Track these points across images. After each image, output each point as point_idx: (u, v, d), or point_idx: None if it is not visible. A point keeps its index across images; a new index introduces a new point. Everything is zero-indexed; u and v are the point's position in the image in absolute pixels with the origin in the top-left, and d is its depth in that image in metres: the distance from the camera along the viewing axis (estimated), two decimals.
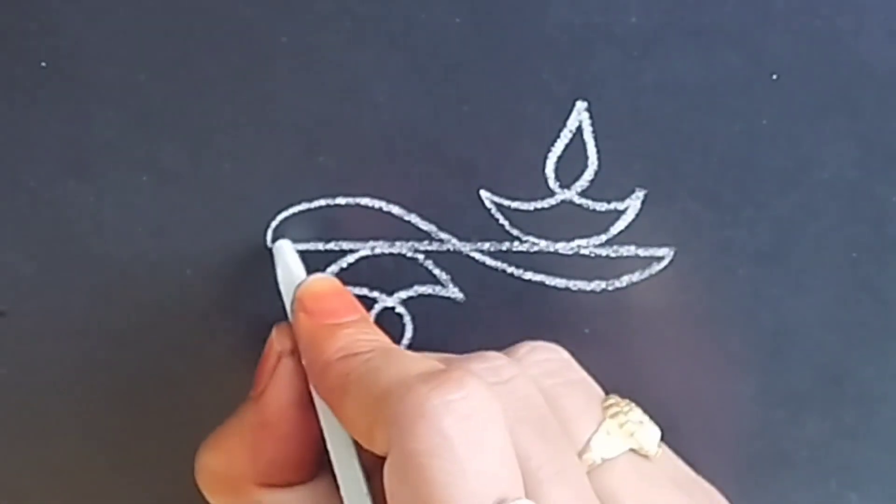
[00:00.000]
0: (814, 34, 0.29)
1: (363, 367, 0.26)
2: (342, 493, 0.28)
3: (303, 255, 0.32)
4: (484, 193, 0.32)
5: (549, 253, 0.32)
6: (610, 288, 0.33)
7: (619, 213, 0.32)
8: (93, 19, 0.29)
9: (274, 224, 0.32)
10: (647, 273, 0.32)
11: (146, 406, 0.35)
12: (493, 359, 0.28)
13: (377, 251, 0.32)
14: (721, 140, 0.31)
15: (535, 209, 0.32)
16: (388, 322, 0.33)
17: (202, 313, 0.33)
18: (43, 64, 0.30)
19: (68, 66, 0.30)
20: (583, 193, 0.31)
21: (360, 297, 0.33)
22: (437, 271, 0.33)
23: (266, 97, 0.30)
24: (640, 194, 0.31)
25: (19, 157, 0.31)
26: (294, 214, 0.32)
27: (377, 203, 0.32)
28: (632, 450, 0.29)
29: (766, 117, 0.30)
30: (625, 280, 0.32)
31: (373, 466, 0.26)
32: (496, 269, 0.33)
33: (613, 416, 0.29)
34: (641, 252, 0.32)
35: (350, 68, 0.30)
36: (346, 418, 0.26)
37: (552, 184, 0.31)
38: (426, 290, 0.33)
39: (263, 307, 0.33)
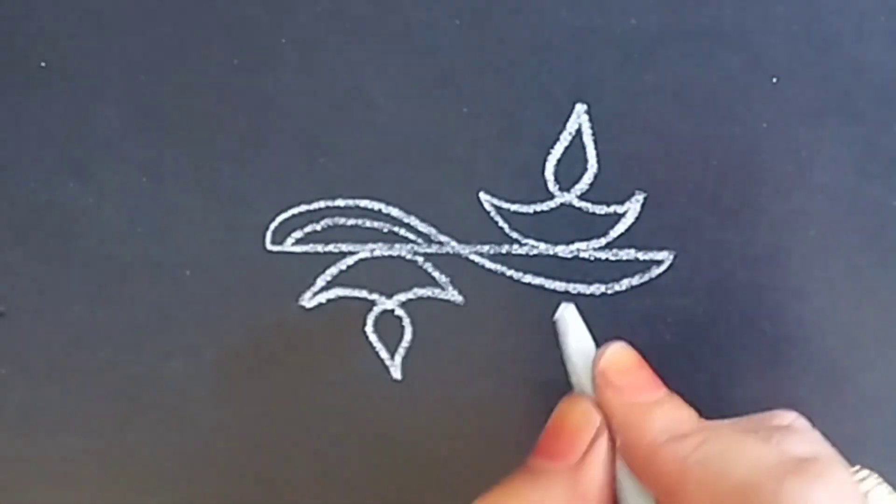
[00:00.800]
0: (813, 38, 0.29)
1: (703, 451, 0.25)
2: None
3: (302, 256, 0.32)
4: (483, 196, 0.31)
5: (548, 256, 0.32)
6: (609, 291, 0.33)
7: (618, 217, 0.32)
8: (92, 20, 0.29)
9: (273, 225, 0.32)
10: (646, 276, 0.32)
11: (146, 406, 0.35)
12: (787, 416, 0.28)
13: (376, 253, 0.32)
14: (721, 143, 0.30)
15: (535, 212, 0.32)
16: (388, 324, 0.33)
17: (201, 313, 0.33)
18: (42, 64, 0.30)
19: (68, 66, 0.30)
20: (582, 196, 0.31)
21: (360, 299, 0.33)
22: (436, 274, 0.33)
23: (266, 100, 0.30)
24: (639, 197, 0.31)
25: (19, 158, 0.31)
26: (293, 216, 0.32)
27: (377, 205, 0.32)
28: None
29: (766, 120, 0.30)
30: (624, 283, 0.32)
31: None
32: (495, 272, 0.32)
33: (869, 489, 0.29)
34: (641, 255, 0.32)
35: (350, 71, 0.30)
36: (682, 502, 0.25)
37: (552, 187, 0.31)
38: (425, 292, 0.33)
39: (262, 308, 0.33)
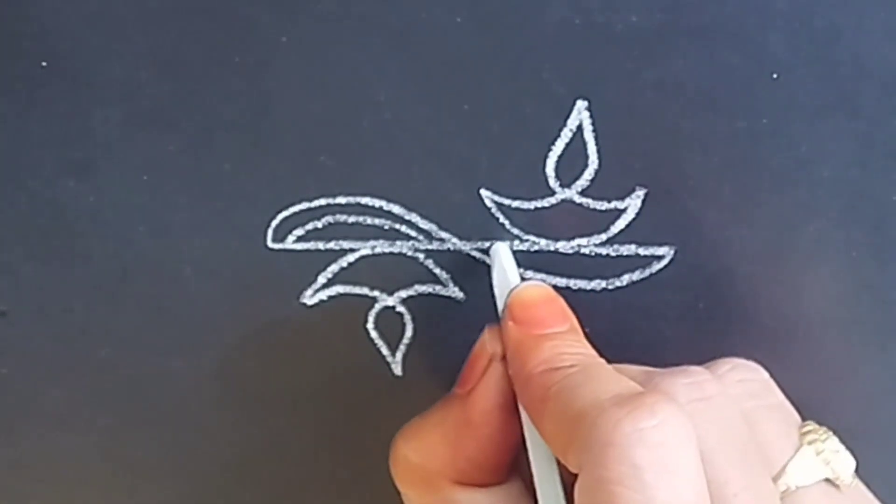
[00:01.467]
0: (814, 33, 0.29)
1: (563, 384, 0.26)
2: (539, 501, 0.27)
3: (303, 254, 0.32)
4: (484, 192, 0.32)
5: (549, 252, 0.32)
6: (610, 287, 0.33)
7: (619, 212, 0.32)
8: (93, 19, 0.29)
9: (274, 223, 0.32)
10: (647, 272, 0.32)
11: (147, 404, 0.35)
12: (696, 374, 0.28)
13: (377, 250, 0.32)
14: (721, 139, 0.31)
15: (536, 208, 0.32)
16: (389, 321, 0.33)
17: (202, 312, 0.33)
18: (43, 63, 0.30)
19: (69, 65, 0.30)
20: (583, 192, 0.31)
21: (361, 296, 0.33)
22: (437, 270, 0.33)
23: (266, 96, 0.30)
24: (640, 193, 0.31)
25: (19, 156, 0.31)
26: (294, 214, 0.32)
27: (378, 202, 0.32)
28: (826, 479, 0.28)
29: (767, 116, 0.30)
30: (625, 279, 0.33)
31: (570, 479, 0.26)
32: None
33: (811, 442, 0.29)
34: (642, 251, 0.32)
35: (350, 67, 0.30)
36: (545, 432, 0.26)
37: (552, 183, 0.31)
38: (426, 289, 0.33)
39: (263, 306, 0.33)
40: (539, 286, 0.30)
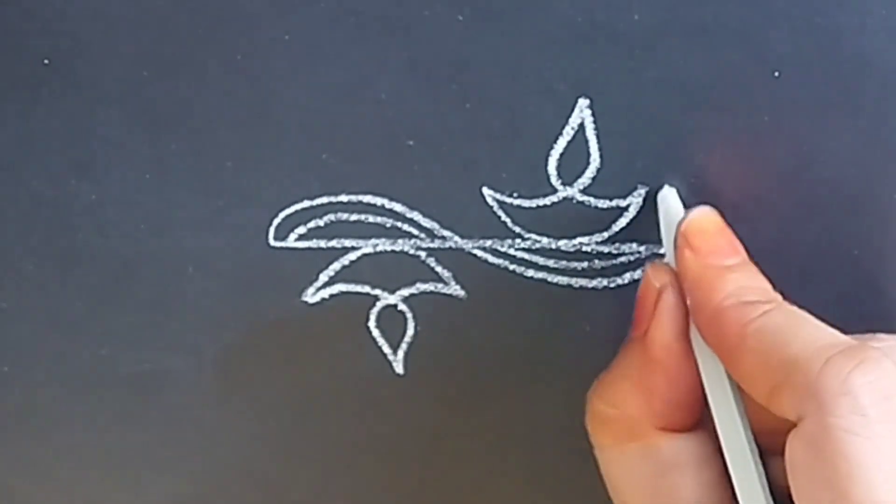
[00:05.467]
0: (815, 31, 0.29)
1: (763, 321, 0.26)
2: (721, 438, 0.28)
3: (305, 252, 0.32)
4: (486, 191, 0.32)
5: (551, 250, 0.32)
6: (612, 285, 0.33)
7: (621, 211, 0.32)
8: (95, 17, 0.29)
9: (276, 221, 0.32)
10: None
11: (147, 403, 0.35)
12: (887, 339, 0.28)
13: (379, 248, 0.32)
14: (723, 137, 0.31)
15: (538, 206, 0.32)
16: (390, 319, 0.33)
17: (204, 310, 0.33)
18: (45, 62, 0.30)
19: (70, 63, 0.30)
20: (585, 191, 0.31)
21: (362, 295, 0.33)
22: (439, 269, 0.33)
23: (268, 95, 0.30)
24: (641, 191, 0.31)
25: (21, 155, 0.31)
26: (296, 212, 0.32)
27: (379, 200, 0.32)
28: None
29: (768, 114, 0.30)
30: (627, 277, 0.33)
31: (754, 414, 0.27)
32: (498, 267, 0.33)
33: None
34: (643, 249, 0.32)
35: (352, 66, 0.30)
36: (740, 370, 0.26)
37: (554, 181, 0.31)
38: (428, 287, 0.33)
39: (265, 304, 0.33)
40: (712, 214, 0.29)
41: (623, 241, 0.32)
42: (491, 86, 0.30)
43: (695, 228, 0.29)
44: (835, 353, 0.24)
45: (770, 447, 0.28)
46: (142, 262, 0.32)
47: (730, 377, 0.28)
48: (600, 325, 0.33)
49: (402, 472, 0.36)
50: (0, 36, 0.29)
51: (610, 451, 0.30)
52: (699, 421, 0.29)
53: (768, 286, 0.28)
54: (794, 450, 0.24)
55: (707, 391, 0.28)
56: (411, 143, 0.31)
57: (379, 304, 0.33)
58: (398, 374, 0.34)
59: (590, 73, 0.30)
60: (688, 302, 0.28)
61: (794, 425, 0.25)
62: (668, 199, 0.31)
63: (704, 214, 0.29)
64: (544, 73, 0.30)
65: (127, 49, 0.30)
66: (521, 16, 0.30)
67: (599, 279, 0.33)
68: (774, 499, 0.27)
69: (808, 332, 0.26)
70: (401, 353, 0.34)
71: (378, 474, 0.36)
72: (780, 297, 0.28)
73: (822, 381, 0.24)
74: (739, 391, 0.28)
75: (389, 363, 0.34)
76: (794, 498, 0.24)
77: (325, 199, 0.32)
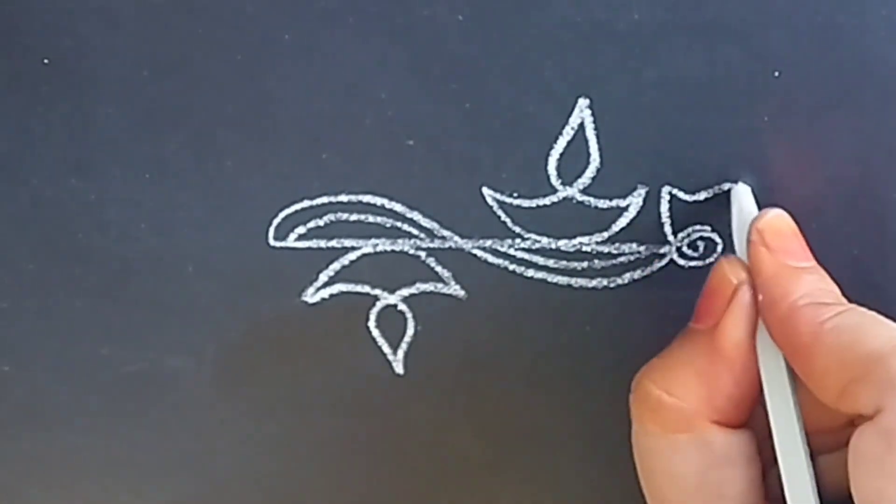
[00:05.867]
0: (816, 31, 0.29)
1: (839, 320, 0.26)
2: (776, 436, 0.28)
3: (305, 252, 0.32)
4: (486, 191, 0.32)
5: (550, 250, 0.32)
6: (611, 285, 0.33)
7: (620, 211, 0.32)
8: (95, 16, 0.29)
9: (276, 221, 0.32)
10: (648, 270, 0.32)
11: (147, 402, 0.35)
12: None
13: (379, 248, 0.32)
14: (723, 137, 0.31)
15: (537, 206, 0.32)
16: (390, 319, 0.33)
17: (204, 310, 0.33)
18: (45, 61, 0.30)
19: (70, 63, 0.30)
20: (585, 191, 0.31)
21: (362, 294, 0.33)
22: (438, 269, 0.33)
23: (268, 94, 0.30)
24: (641, 192, 0.31)
25: (21, 154, 0.31)
26: (296, 212, 0.32)
27: (379, 200, 0.32)
28: None
29: (768, 114, 0.30)
30: (626, 277, 0.33)
31: (810, 413, 0.27)
32: (498, 267, 0.33)
33: None
34: (643, 249, 0.32)
35: (352, 66, 0.30)
36: (811, 367, 0.26)
37: (554, 181, 0.31)
38: (428, 287, 0.33)
39: (265, 303, 0.33)
40: (787, 217, 0.30)
41: (623, 241, 0.32)
42: (491, 86, 0.30)
43: (772, 228, 0.29)
44: None
45: (817, 448, 0.28)
46: (142, 262, 0.32)
47: (790, 377, 0.28)
48: (600, 325, 0.33)
49: (402, 472, 0.36)
50: (0, 36, 0.29)
51: (656, 439, 0.29)
52: (750, 418, 0.29)
53: (838, 290, 0.29)
54: (866, 442, 0.24)
55: (766, 389, 0.28)
56: (411, 143, 0.31)
57: (379, 304, 0.33)
58: (398, 374, 0.34)
59: (590, 73, 0.30)
60: (759, 299, 0.28)
61: (849, 424, 0.25)
62: (742, 196, 0.30)
63: (780, 216, 0.29)
64: (544, 73, 0.30)
65: (127, 48, 0.30)
66: (521, 16, 0.29)
67: (599, 279, 0.33)
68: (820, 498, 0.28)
69: (887, 329, 0.26)
70: (401, 353, 0.34)
71: (378, 474, 0.36)
72: (848, 302, 0.28)
73: None
74: (798, 391, 0.28)
75: (389, 363, 0.34)
76: (855, 491, 0.24)
77: (325, 199, 0.32)
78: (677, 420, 0.29)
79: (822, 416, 0.28)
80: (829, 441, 0.29)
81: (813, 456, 0.28)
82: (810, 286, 0.28)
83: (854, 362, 0.25)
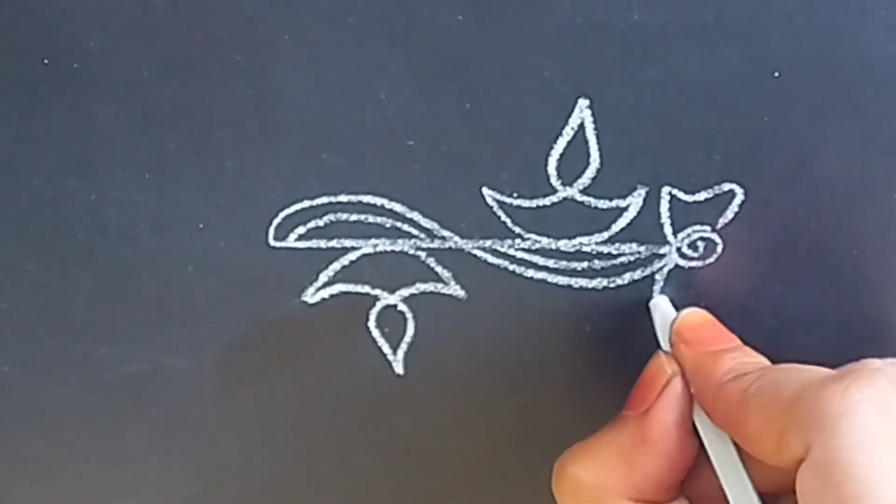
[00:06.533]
0: (815, 32, 0.29)
1: (760, 382, 0.27)
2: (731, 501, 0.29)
3: (305, 252, 0.32)
4: (486, 191, 0.32)
5: (550, 250, 0.32)
6: (611, 285, 0.33)
7: (621, 211, 0.32)
8: (95, 16, 0.29)
9: (276, 221, 0.32)
10: (648, 270, 0.32)
11: (148, 403, 0.35)
12: (877, 362, 0.29)
13: (379, 249, 0.32)
14: (723, 138, 0.31)
15: (537, 206, 0.32)
16: (390, 320, 0.33)
17: (204, 310, 0.33)
18: (45, 61, 0.30)
19: (70, 63, 0.30)
20: (585, 191, 0.31)
21: (362, 295, 0.33)
22: (439, 269, 0.33)
23: (268, 95, 0.30)
24: (641, 192, 0.31)
25: (21, 154, 0.31)
26: (296, 212, 0.32)
27: (379, 200, 0.32)
28: None
29: (768, 114, 0.30)
30: (626, 277, 0.33)
31: (765, 484, 0.29)
32: (498, 267, 0.33)
33: None
34: (643, 249, 0.32)
35: (352, 66, 0.30)
36: (746, 433, 0.27)
37: (554, 181, 0.31)
38: (428, 287, 0.33)
39: (264, 305, 0.33)
40: (699, 311, 0.32)
41: (623, 242, 0.32)
42: (491, 86, 0.30)
43: (686, 325, 0.31)
44: (829, 379, 0.25)
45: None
46: (141, 262, 0.32)
47: (738, 451, 0.29)
48: (600, 325, 0.33)
49: (402, 472, 0.36)
50: (0, 36, 0.29)
51: None
52: (670, 497, 0.30)
53: (764, 361, 0.30)
54: (804, 481, 0.25)
55: (717, 469, 0.30)
56: (411, 143, 0.31)
57: (379, 305, 0.33)
58: (398, 375, 0.34)
59: (590, 73, 0.30)
60: (692, 389, 0.30)
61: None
62: (661, 305, 0.32)
63: (693, 312, 0.32)
64: (544, 73, 0.30)
65: (127, 49, 0.29)
66: (521, 16, 0.29)
67: (599, 279, 0.33)
68: None
69: (802, 375, 0.27)
70: (401, 354, 0.34)
71: (378, 474, 0.36)
72: (772, 365, 0.29)
73: (820, 405, 0.25)
74: (747, 461, 0.29)
75: (389, 363, 0.34)
76: None
77: (325, 199, 0.32)
78: (593, 499, 0.30)
79: (769, 479, 0.29)
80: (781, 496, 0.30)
81: None
82: (731, 363, 0.29)
83: (779, 414, 0.26)
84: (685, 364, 0.30)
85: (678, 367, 0.31)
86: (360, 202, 0.32)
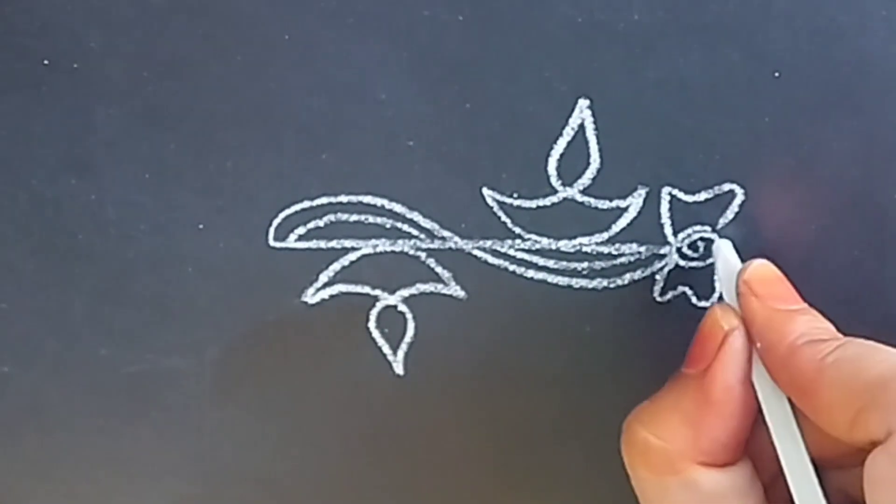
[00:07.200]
0: (816, 32, 0.29)
1: (839, 353, 0.27)
2: (787, 476, 0.28)
3: (305, 253, 0.32)
4: (486, 191, 0.32)
5: (551, 251, 0.32)
6: (612, 286, 0.33)
7: (620, 211, 0.32)
8: (95, 17, 0.29)
9: (276, 222, 0.32)
10: (648, 271, 0.32)
11: (147, 403, 0.35)
12: None
13: (379, 249, 0.32)
14: (723, 138, 0.31)
15: (538, 207, 0.32)
16: (390, 320, 0.33)
17: (203, 310, 0.33)
18: (45, 62, 0.30)
19: (70, 63, 0.30)
20: (585, 191, 0.31)
21: (362, 295, 0.33)
22: (439, 269, 0.33)
23: (268, 95, 0.30)
24: (642, 192, 0.31)
25: (21, 154, 0.31)
26: (296, 212, 0.32)
27: (379, 201, 0.32)
28: None
29: (768, 115, 0.30)
30: (627, 278, 0.33)
31: (814, 445, 0.28)
32: (498, 267, 0.33)
33: None
34: (643, 250, 0.32)
35: (352, 66, 0.30)
36: (815, 401, 0.27)
37: (554, 181, 0.31)
38: (428, 288, 0.33)
39: (265, 304, 0.33)
40: (769, 264, 0.30)
41: (623, 242, 0.32)
42: (491, 86, 0.30)
43: (758, 277, 0.30)
44: None
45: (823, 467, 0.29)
46: (141, 263, 0.32)
47: (796, 416, 0.29)
48: (600, 325, 0.33)
49: (402, 471, 0.36)
50: (0, 36, 0.29)
51: (648, 483, 0.30)
52: (738, 458, 0.30)
53: (833, 328, 0.29)
54: (878, 466, 0.24)
55: (772, 431, 0.29)
56: (411, 143, 0.31)
57: (379, 305, 0.33)
58: (398, 375, 0.34)
59: (590, 73, 0.30)
60: (757, 345, 0.29)
61: (861, 452, 0.25)
62: (724, 250, 0.31)
63: (764, 265, 0.30)
64: (544, 74, 0.30)
65: (126, 49, 0.30)
66: (521, 16, 0.30)
67: (599, 280, 0.33)
68: None
69: (887, 355, 0.26)
70: (401, 354, 0.34)
71: (378, 474, 0.36)
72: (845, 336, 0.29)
73: None
74: (803, 426, 0.29)
75: (389, 364, 0.34)
76: None
77: (325, 200, 0.32)
78: (664, 463, 0.29)
79: (826, 447, 0.28)
80: (834, 463, 0.29)
81: (819, 473, 0.29)
82: (805, 326, 0.28)
83: (860, 391, 0.25)
84: (755, 319, 0.29)
85: (736, 321, 0.29)
86: (360, 202, 0.32)
